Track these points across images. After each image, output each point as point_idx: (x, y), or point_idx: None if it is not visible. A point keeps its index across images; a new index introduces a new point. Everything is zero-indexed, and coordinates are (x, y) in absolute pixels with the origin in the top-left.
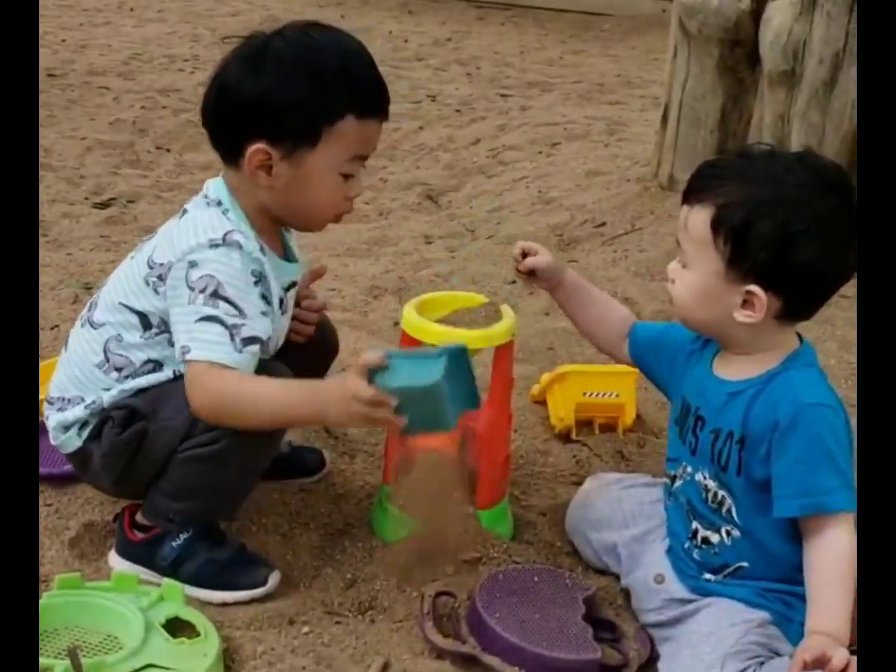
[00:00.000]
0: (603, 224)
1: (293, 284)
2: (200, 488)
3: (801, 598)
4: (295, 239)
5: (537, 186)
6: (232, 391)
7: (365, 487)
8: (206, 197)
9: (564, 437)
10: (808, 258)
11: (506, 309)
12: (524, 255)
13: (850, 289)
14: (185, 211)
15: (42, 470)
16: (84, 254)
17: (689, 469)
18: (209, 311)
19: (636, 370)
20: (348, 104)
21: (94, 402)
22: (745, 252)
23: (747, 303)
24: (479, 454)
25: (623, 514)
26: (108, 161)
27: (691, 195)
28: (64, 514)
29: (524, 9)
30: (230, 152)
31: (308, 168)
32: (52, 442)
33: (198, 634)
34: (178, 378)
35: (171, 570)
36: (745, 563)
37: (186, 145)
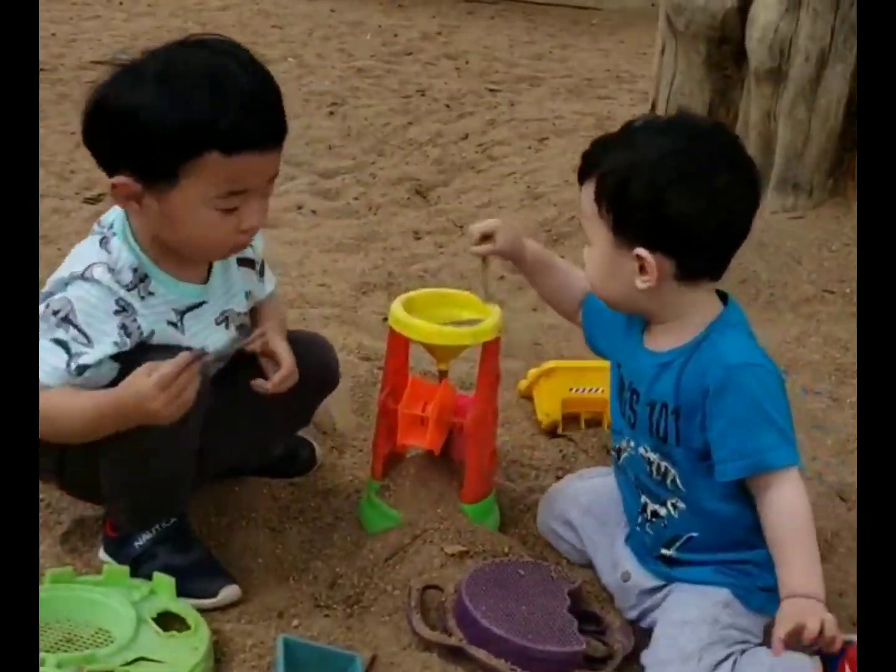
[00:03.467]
0: None
1: (199, 304)
2: (119, 482)
3: (758, 564)
4: (255, 253)
5: (526, 182)
6: (42, 404)
7: (354, 482)
8: (100, 222)
9: (551, 432)
10: (682, 211)
11: (493, 306)
12: (484, 237)
13: (835, 285)
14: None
15: None
16: None
17: (631, 443)
18: (60, 334)
19: None
20: (209, 139)
21: None
22: (624, 217)
23: (642, 268)
24: (465, 449)
25: (579, 504)
26: None
27: (580, 175)
28: (56, 510)
29: (513, 2)
30: (107, 173)
31: (173, 205)
32: None
33: (188, 628)
34: None
35: (132, 567)
36: (694, 534)
37: None
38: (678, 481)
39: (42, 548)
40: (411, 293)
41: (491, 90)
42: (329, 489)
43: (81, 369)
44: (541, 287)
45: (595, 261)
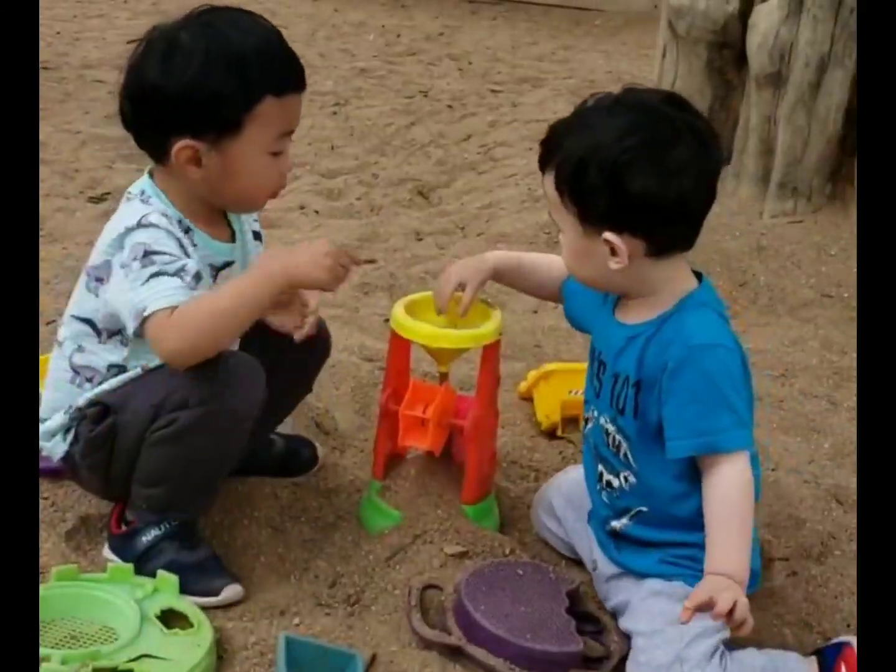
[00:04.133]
0: None
1: (228, 264)
2: (167, 471)
3: (703, 547)
4: (255, 218)
5: (527, 183)
6: (186, 318)
7: (355, 482)
8: (128, 193)
9: (550, 434)
10: (642, 189)
11: (493, 308)
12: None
13: (833, 289)
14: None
15: (42, 464)
16: (79, 248)
17: (595, 413)
18: (149, 269)
19: None
20: (264, 86)
21: (71, 407)
22: (587, 203)
23: (613, 251)
24: (466, 450)
25: (562, 494)
26: (103, 155)
27: (541, 163)
28: (60, 508)
29: (516, 3)
30: (155, 150)
31: (236, 155)
32: (43, 453)
33: (191, 625)
34: (144, 373)
35: (137, 564)
36: (643, 508)
37: None
38: (629, 456)
39: (47, 545)
40: (412, 295)
41: (493, 91)
42: (330, 489)
43: (195, 276)
44: (522, 288)
45: (568, 247)
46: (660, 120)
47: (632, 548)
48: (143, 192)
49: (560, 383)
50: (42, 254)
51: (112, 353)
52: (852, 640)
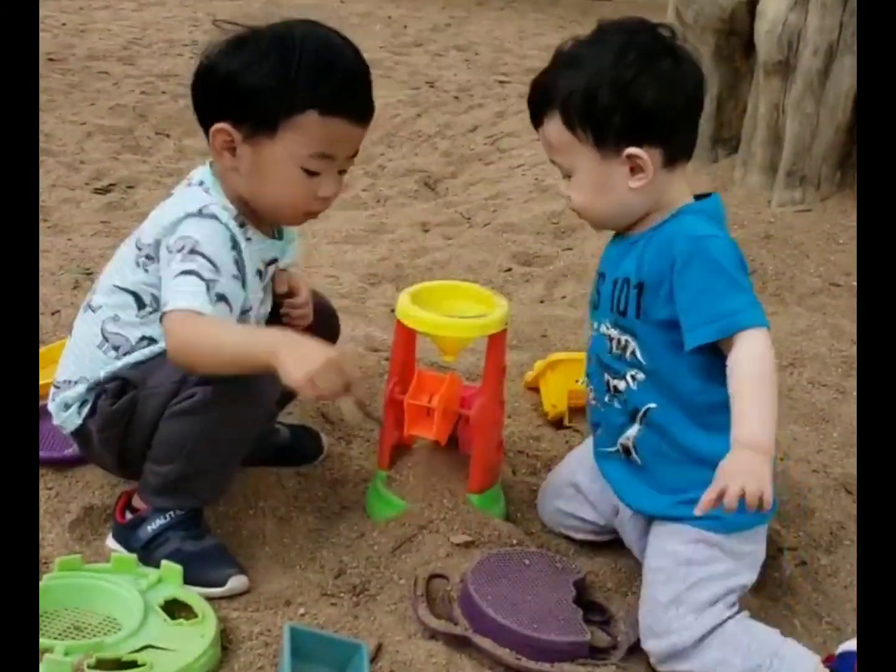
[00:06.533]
0: None
1: (274, 260)
2: (182, 446)
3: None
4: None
5: (534, 174)
6: (196, 329)
7: (360, 472)
8: (189, 181)
9: (557, 424)
10: (653, 97)
11: (499, 298)
12: None
13: (841, 278)
14: (171, 195)
15: (43, 454)
16: (84, 239)
17: (595, 325)
18: (187, 265)
19: None
20: (310, 98)
21: (90, 380)
22: (603, 127)
23: (634, 168)
24: (472, 440)
25: (585, 467)
26: (109, 146)
27: (535, 116)
28: (64, 498)
29: None
30: (206, 130)
31: (265, 157)
32: (55, 422)
33: (195, 616)
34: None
35: (142, 552)
36: (652, 405)
37: (186, 131)
38: (637, 353)
39: (50, 536)
40: (418, 285)
41: (500, 82)
42: (336, 479)
43: (218, 297)
44: None
45: (583, 186)
46: (644, 39)
47: (646, 481)
48: (202, 182)
49: (567, 373)
50: (47, 245)
51: (148, 327)
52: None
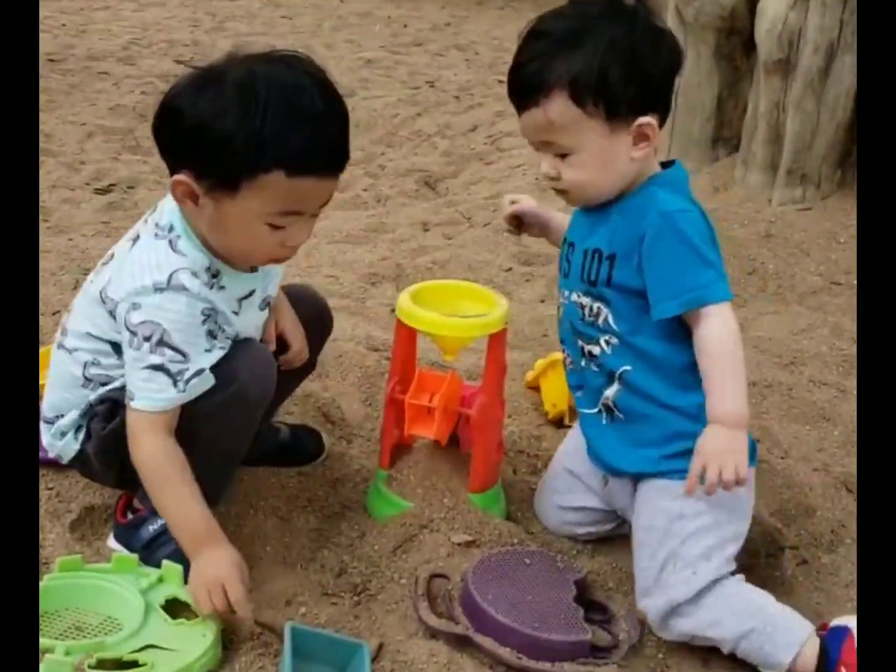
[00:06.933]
0: None
1: (252, 292)
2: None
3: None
4: None
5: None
6: (153, 463)
7: (361, 471)
8: (157, 225)
9: (557, 423)
10: (659, 64)
11: (499, 297)
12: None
13: (842, 277)
14: (137, 238)
15: (43, 454)
16: (85, 239)
17: (565, 293)
18: (155, 359)
19: None
20: (276, 159)
21: (85, 408)
22: (616, 100)
23: (639, 136)
24: (472, 439)
25: (580, 455)
26: (109, 147)
27: (531, 96)
28: (65, 498)
29: None
30: (171, 173)
31: (227, 213)
32: (51, 455)
33: (196, 615)
34: None
35: (143, 552)
36: (627, 367)
37: None
38: (609, 319)
39: (51, 536)
40: (419, 284)
41: (500, 81)
42: (337, 478)
43: (187, 384)
44: (550, 237)
45: (586, 162)
46: (619, 9)
47: (629, 439)
48: (171, 228)
49: None
50: (48, 245)
51: None
52: (852, 625)
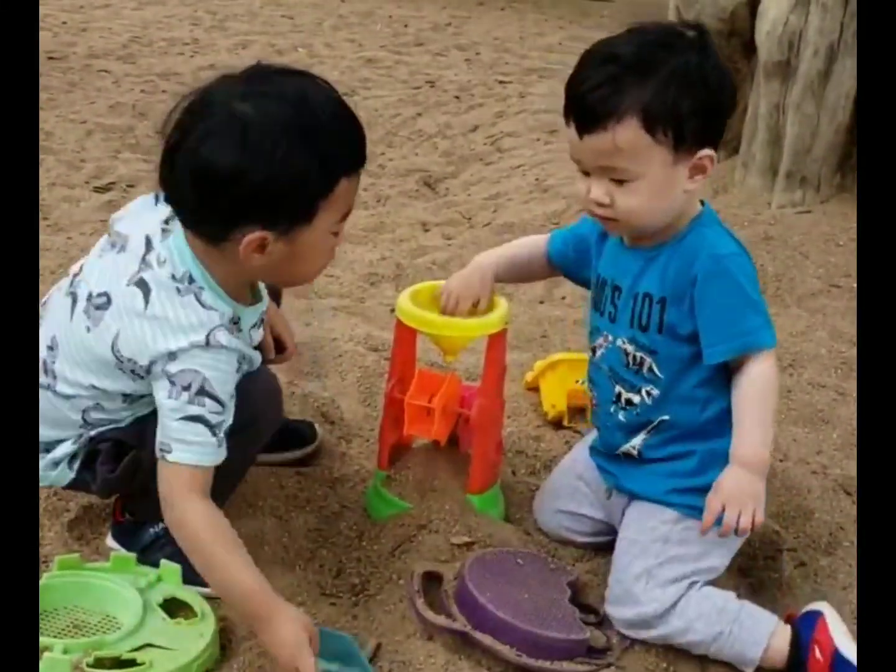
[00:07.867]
0: None
1: (261, 321)
2: None
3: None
4: None
5: (535, 174)
6: (201, 533)
7: (360, 472)
8: (174, 277)
9: (556, 424)
10: (726, 93)
11: (499, 298)
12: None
13: (841, 280)
14: (143, 282)
15: None
16: (84, 238)
17: (609, 337)
18: (195, 410)
19: None
20: (344, 169)
21: (80, 437)
22: (684, 130)
23: (696, 168)
24: (471, 440)
25: (587, 463)
26: (109, 145)
27: (600, 120)
28: (64, 497)
29: None
30: (215, 237)
31: (304, 243)
32: (43, 483)
33: (195, 615)
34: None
35: (142, 554)
36: (666, 417)
37: None
38: (655, 369)
39: (50, 534)
40: (418, 285)
41: (501, 82)
42: (336, 478)
43: (224, 434)
44: (521, 280)
45: (644, 190)
46: (703, 37)
47: (643, 470)
48: (191, 279)
49: (566, 373)
50: (47, 243)
51: (140, 408)
52: (824, 608)
